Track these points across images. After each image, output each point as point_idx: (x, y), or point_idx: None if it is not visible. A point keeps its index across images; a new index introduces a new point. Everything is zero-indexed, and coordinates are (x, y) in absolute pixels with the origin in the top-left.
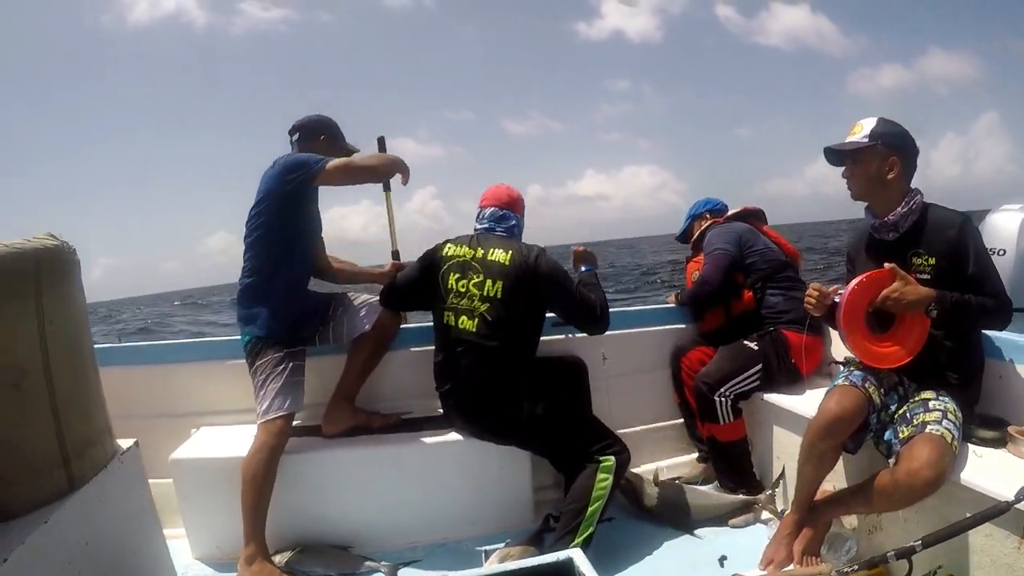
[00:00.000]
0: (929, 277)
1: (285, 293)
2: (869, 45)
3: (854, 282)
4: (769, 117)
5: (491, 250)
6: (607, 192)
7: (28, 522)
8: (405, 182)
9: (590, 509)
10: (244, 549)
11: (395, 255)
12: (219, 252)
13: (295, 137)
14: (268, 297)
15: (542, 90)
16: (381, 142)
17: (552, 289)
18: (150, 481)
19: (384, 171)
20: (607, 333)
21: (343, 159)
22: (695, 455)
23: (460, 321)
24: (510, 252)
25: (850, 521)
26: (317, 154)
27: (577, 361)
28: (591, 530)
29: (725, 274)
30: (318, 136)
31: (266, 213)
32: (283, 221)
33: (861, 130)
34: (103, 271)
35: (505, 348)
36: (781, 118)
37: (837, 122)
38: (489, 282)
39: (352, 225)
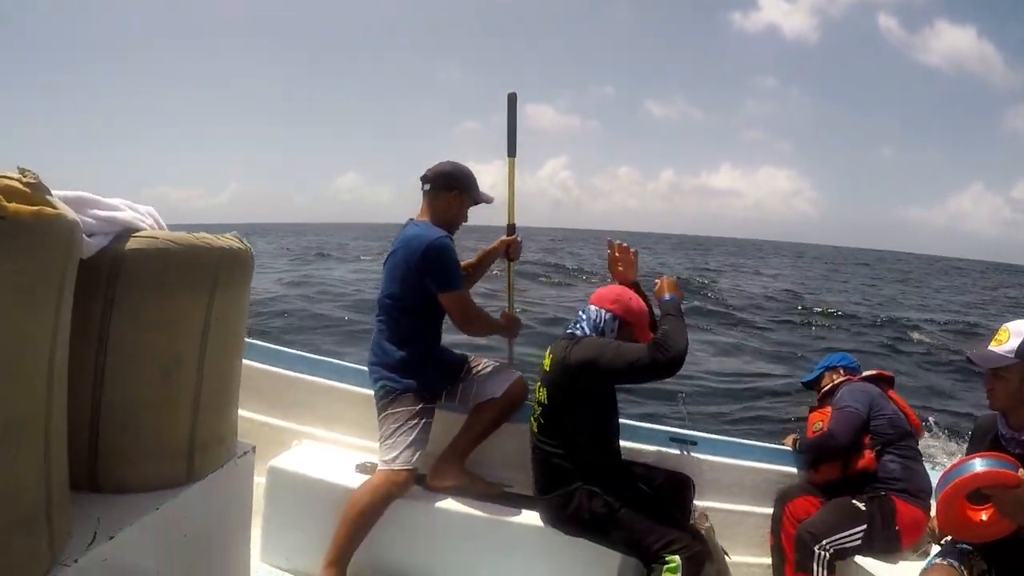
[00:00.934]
0: None
1: (425, 349)
2: None
3: (987, 464)
4: (917, 140)
5: (547, 355)
6: (740, 189)
7: (141, 503)
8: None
9: None
10: (323, 570)
11: (511, 228)
12: (347, 191)
13: (427, 187)
14: (409, 351)
15: (688, 76)
16: (512, 99)
17: (590, 372)
18: None
19: (485, 333)
20: (714, 458)
21: (467, 305)
22: None
23: (531, 424)
24: (552, 355)
25: None
26: (448, 266)
27: (681, 477)
28: None
29: (853, 433)
30: (451, 189)
31: (408, 278)
32: (426, 289)
33: (1007, 339)
34: (230, 195)
35: (555, 450)
36: (929, 143)
37: (989, 154)
38: (540, 387)
39: (482, 182)
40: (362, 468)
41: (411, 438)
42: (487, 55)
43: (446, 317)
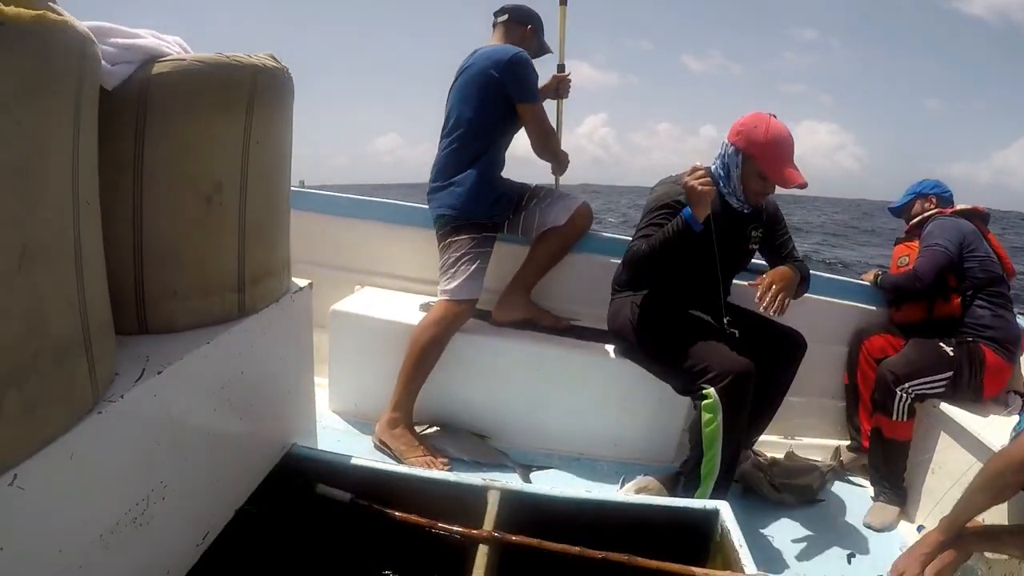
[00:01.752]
0: None
1: (487, 174)
2: None
3: None
4: (962, 93)
5: None
6: None
7: (191, 338)
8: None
9: (705, 458)
10: (388, 412)
11: (560, 68)
12: (386, 152)
13: (503, 18)
14: (471, 175)
15: (726, 29)
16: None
17: None
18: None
19: (556, 158)
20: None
21: (545, 119)
22: (846, 443)
23: None
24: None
25: (988, 560)
26: (530, 77)
27: (794, 336)
28: (712, 480)
29: (939, 273)
30: (525, 25)
31: (484, 94)
32: (499, 106)
33: None
34: None
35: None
36: (975, 96)
37: None
38: None
39: (519, 143)
40: (426, 308)
41: (472, 267)
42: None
43: (506, 151)
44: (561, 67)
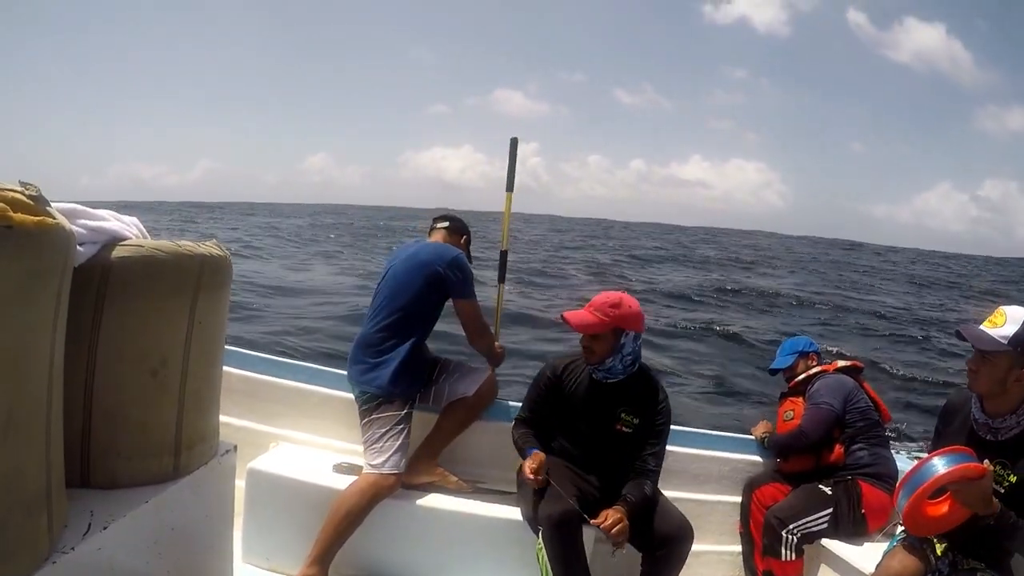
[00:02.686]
0: (1003, 491)
1: (414, 357)
2: (1002, 82)
3: (948, 464)
4: (886, 136)
5: None
6: (709, 180)
7: (132, 497)
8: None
9: None
10: (304, 568)
11: (503, 255)
12: (316, 172)
13: (444, 224)
14: (401, 358)
15: (658, 65)
16: (513, 144)
17: None
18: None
19: (491, 351)
20: (681, 450)
21: (481, 315)
22: None
23: None
24: None
25: None
26: (471, 277)
27: (680, 531)
28: None
29: (826, 429)
30: (462, 235)
31: (427, 290)
32: (436, 301)
33: (1003, 322)
34: (202, 172)
35: None
36: (898, 140)
37: (956, 156)
38: None
39: (450, 167)
40: (339, 468)
41: (398, 443)
42: (457, 38)
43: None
44: (504, 254)
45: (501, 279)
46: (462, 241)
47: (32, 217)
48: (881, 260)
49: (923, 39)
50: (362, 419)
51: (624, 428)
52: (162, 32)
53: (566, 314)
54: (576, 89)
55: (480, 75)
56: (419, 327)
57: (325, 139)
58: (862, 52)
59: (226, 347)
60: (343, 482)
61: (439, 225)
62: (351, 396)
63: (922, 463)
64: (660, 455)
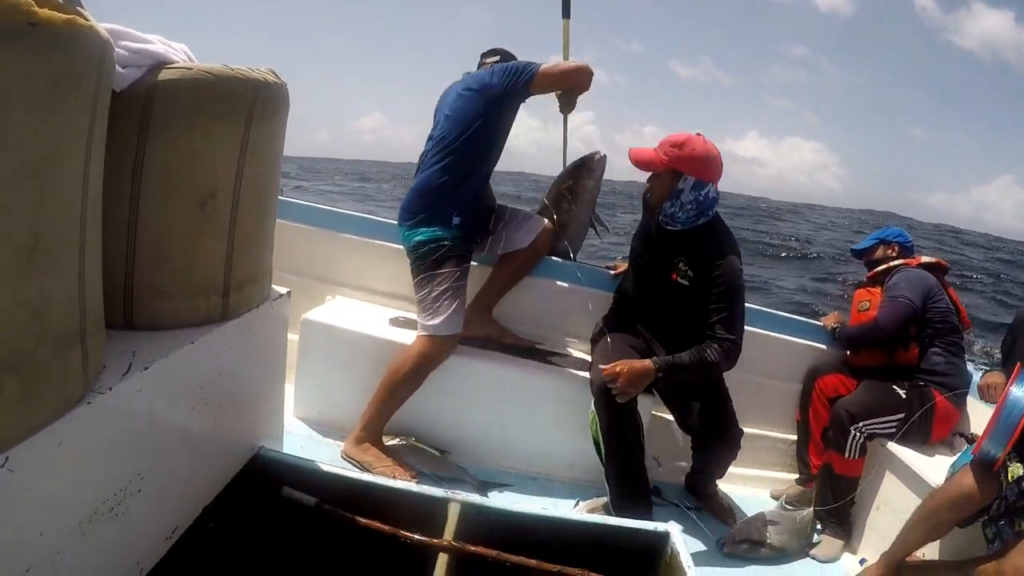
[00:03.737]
0: None
1: (473, 201)
2: None
3: None
4: (948, 124)
5: None
6: (764, 158)
7: (176, 337)
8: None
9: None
10: (357, 430)
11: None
12: (368, 131)
13: (493, 59)
14: (459, 202)
15: (716, 38)
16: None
17: None
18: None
19: (581, 76)
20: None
21: (550, 64)
22: (794, 476)
23: None
24: None
25: None
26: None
27: (730, 434)
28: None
29: (902, 325)
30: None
31: (476, 111)
32: (490, 123)
33: None
34: None
35: None
36: (959, 129)
37: (1020, 150)
38: None
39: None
40: (395, 322)
41: (456, 303)
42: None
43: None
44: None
45: (566, 107)
46: None
47: (61, 14)
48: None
49: (990, 26)
50: (415, 276)
51: (680, 279)
52: None
53: (631, 149)
54: (633, 59)
55: (536, 39)
56: (477, 163)
57: (378, 100)
58: (926, 35)
59: (281, 198)
60: (400, 335)
61: (487, 60)
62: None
63: (1005, 398)
64: (729, 323)
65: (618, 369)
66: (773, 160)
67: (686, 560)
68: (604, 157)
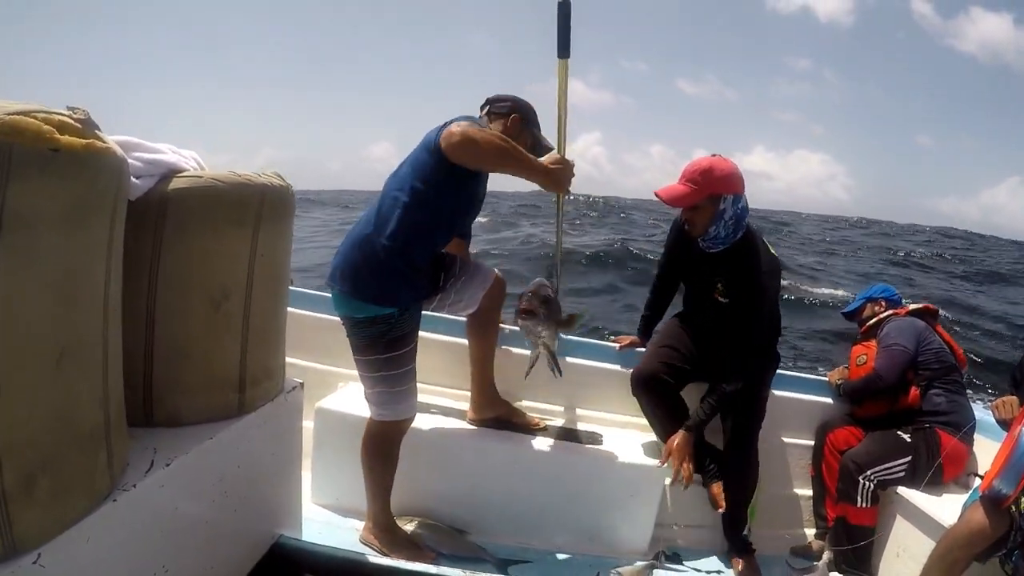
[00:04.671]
0: None
1: (420, 270)
2: None
3: None
4: (953, 129)
5: None
6: (773, 172)
7: (196, 434)
8: (559, 191)
9: None
10: (368, 519)
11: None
12: (378, 160)
13: (484, 111)
14: (405, 273)
15: (721, 54)
16: (564, 7)
17: None
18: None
19: (530, 170)
20: None
21: (474, 127)
22: (813, 531)
23: None
24: None
25: None
26: (479, 126)
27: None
28: None
29: (900, 372)
30: (508, 115)
31: (414, 175)
32: (427, 191)
33: None
34: (264, 160)
35: None
36: (965, 133)
37: None
38: None
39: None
40: None
41: (413, 383)
42: (518, 25)
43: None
44: (553, 269)
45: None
46: (513, 121)
47: (80, 140)
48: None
49: (989, 29)
50: (363, 347)
51: (720, 298)
52: (212, 24)
53: (658, 191)
54: (639, 78)
55: (540, 62)
56: (424, 228)
57: (387, 129)
58: (927, 42)
59: (292, 288)
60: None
61: (480, 114)
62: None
63: (1016, 439)
64: (757, 333)
65: (676, 465)
66: (782, 173)
67: None
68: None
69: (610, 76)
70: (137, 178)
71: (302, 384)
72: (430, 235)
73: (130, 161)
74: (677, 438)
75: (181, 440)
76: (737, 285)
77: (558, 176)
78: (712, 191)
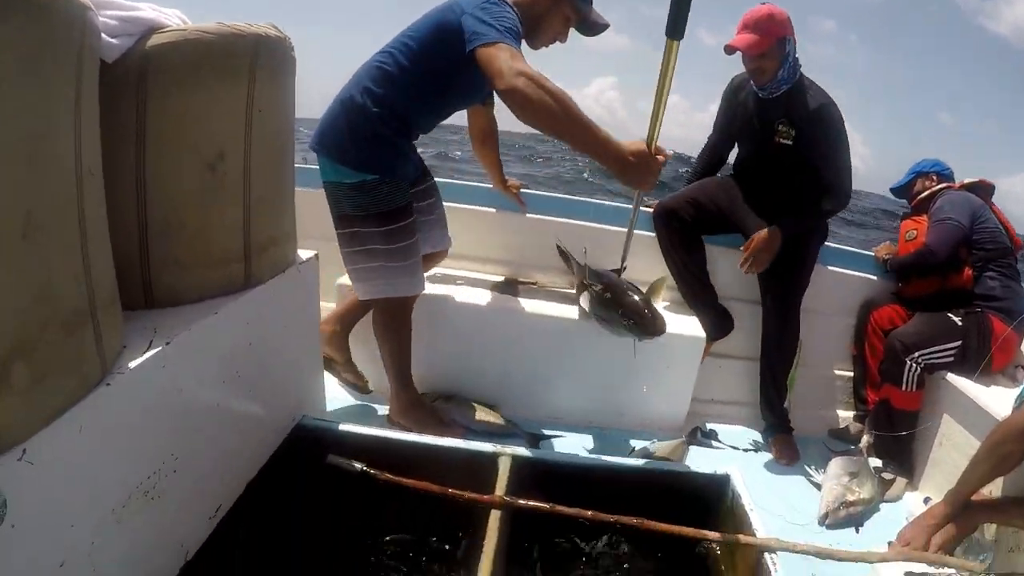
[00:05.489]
0: None
1: (406, 144)
2: None
3: None
4: (976, 110)
5: None
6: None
7: (197, 310)
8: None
9: None
10: (394, 398)
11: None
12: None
13: None
14: (391, 141)
15: (743, 8)
16: None
17: None
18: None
19: (597, 152)
20: None
21: (527, 69)
22: (850, 413)
23: None
24: None
25: (992, 532)
26: (512, 26)
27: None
28: None
29: (953, 247)
30: None
31: (410, 48)
32: (425, 65)
33: None
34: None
35: None
36: (988, 117)
37: None
38: None
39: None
40: (432, 279)
41: (417, 258)
42: None
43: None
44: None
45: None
46: None
47: None
48: None
49: None
50: (354, 225)
51: (783, 140)
52: None
53: (732, 43)
54: (658, 24)
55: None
56: (414, 91)
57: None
58: (959, 18)
59: (300, 166)
60: (439, 290)
61: None
62: (449, 205)
63: None
64: (835, 169)
65: (749, 253)
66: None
67: (748, 504)
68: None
69: (629, 20)
70: (113, 38)
71: (317, 255)
72: (422, 108)
73: (104, 19)
74: (765, 231)
75: (182, 318)
76: (804, 118)
77: (634, 171)
78: (779, 34)
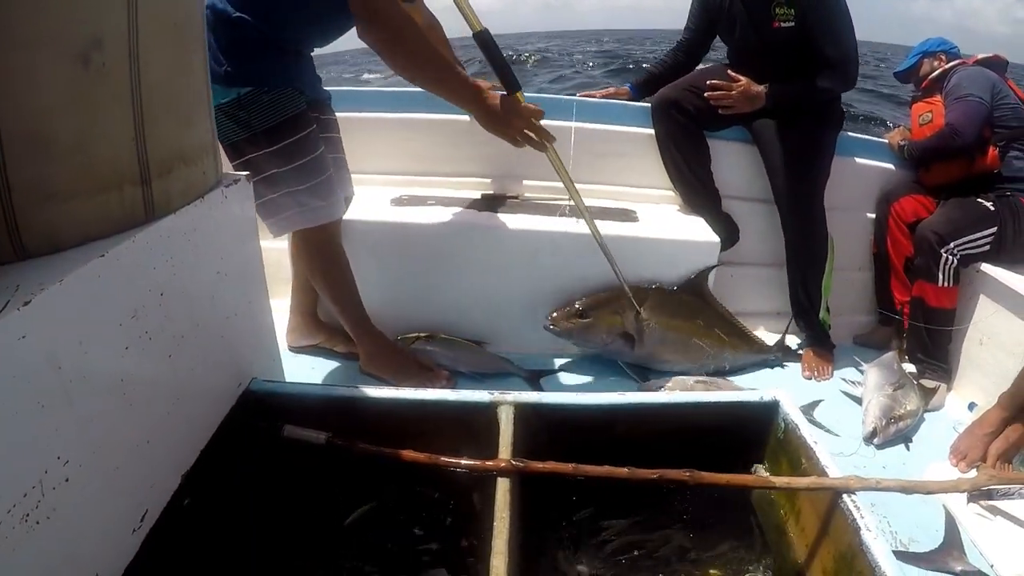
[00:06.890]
0: None
1: (285, 49)
2: None
3: None
4: None
5: None
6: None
7: (78, 255)
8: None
9: None
10: (359, 345)
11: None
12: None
13: None
14: (265, 43)
15: None
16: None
17: None
18: (262, 245)
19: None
20: None
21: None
22: (872, 317)
23: None
24: None
25: None
26: None
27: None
28: None
29: (979, 126)
30: None
31: None
32: None
33: None
34: None
35: None
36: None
37: None
38: None
39: None
40: (398, 202)
41: (328, 175)
42: None
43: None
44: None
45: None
46: None
47: None
48: None
49: None
50: (239, 154)
51: (783, 23)
52: None
53: None
54: None
55: None
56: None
57: None
58: None
59: None
60: (410, 216)
61: None
62: (413, 116)
63: None
64: (837, 41)
65: (738, 82)
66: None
67: (808, 434)
68: None
69: None
70: None
71: (248, 176)
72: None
73: None
74: (758, 86)
75: (56, 268)
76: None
77: (497, 114)
78: None
